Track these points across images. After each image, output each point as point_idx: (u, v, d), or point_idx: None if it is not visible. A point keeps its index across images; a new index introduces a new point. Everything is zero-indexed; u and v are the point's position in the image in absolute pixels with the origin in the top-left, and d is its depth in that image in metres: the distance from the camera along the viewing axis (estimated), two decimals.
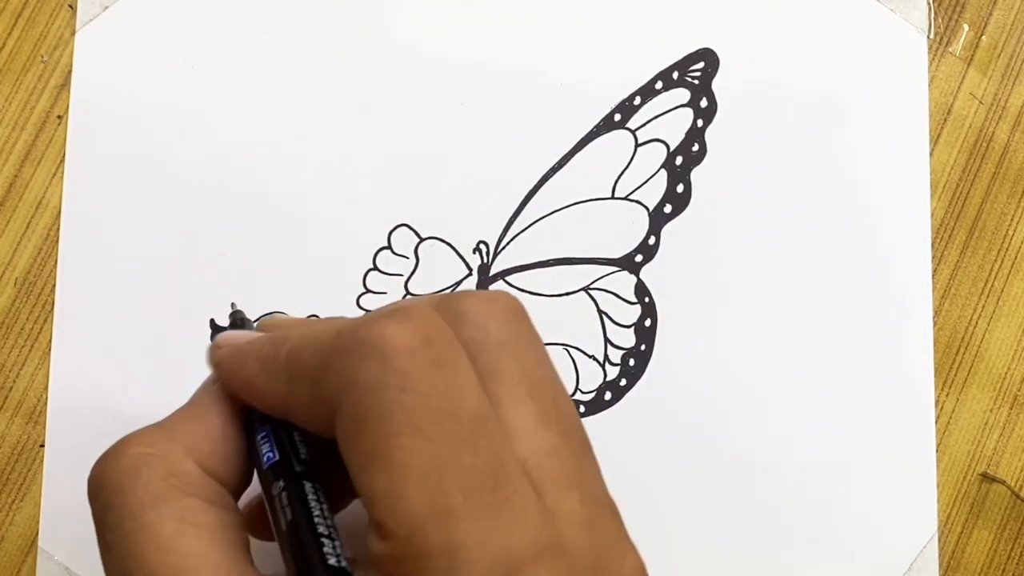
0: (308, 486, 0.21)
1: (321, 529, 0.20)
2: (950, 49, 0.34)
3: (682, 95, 0.34)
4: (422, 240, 0.33)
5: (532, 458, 0.20)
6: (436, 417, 0.19)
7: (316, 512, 0.21)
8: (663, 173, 0.33)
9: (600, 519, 0.21)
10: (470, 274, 0.33)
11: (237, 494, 0.23)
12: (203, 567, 0.20)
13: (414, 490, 0.18)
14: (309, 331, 0.21)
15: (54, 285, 0.32)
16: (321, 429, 0.21)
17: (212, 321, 0.31)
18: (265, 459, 0.22)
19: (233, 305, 0.28)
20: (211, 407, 0.23)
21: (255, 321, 0.26)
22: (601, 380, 0.32)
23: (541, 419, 0.21)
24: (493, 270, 0.33)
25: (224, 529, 0.21)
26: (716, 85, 0.34)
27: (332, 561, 0.20)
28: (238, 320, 0.27)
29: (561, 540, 0.19)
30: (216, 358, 0.23)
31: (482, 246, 0.33)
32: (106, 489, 0.21)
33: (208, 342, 0.25)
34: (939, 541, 0.32)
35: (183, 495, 0.21)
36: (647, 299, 0.33)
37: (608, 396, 0.32)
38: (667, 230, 0.33)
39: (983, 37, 0.35)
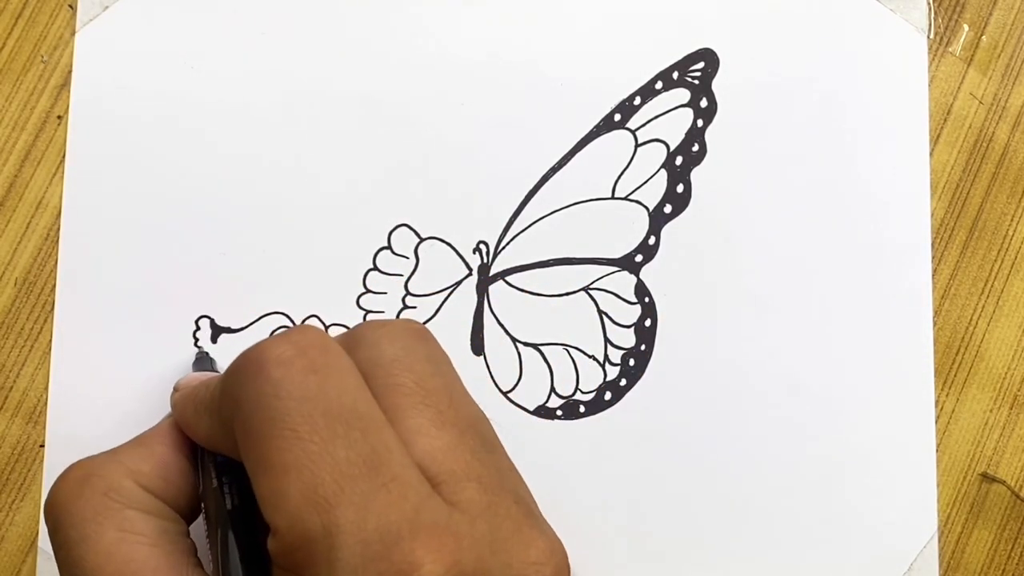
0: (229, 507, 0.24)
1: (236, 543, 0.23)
2: (950, 49, 0.34)
3: (682, 95, 0.34)
4: (422, 240, 0.33)
5: (428, 456, 0.21)
6: (308, 418, 0.20)
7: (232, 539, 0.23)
8: (663, 173, 0.33)
9: (503, 507, 0.22)
10: (470, 274, 0.33)
11: (186, 516, 0.25)
12: (143, 570, 0.22)
13: (290, 485, 0.20)
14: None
15: (54, 285, 0.32)
16: (238, 455, 0.22)
17: (198, 350, 0.32)
18: (201, 484, 0.25)
19: (200, 348, 0.31)
20: (160, 437, 0.25)
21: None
22: (601, 380, 0.33)
23: (436, 421, 0.22)
24: (493, 270, 0.33)
25: (165, 535, 0.23)
26: (716, 85, 0.34)
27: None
28: (204, 359, 0.30)
29: (449, 523, 0.20)
30: (172, 400, 0.26)
31: (482, 246, 0.33)
32: (55, 508, 0.23)
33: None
34: (939, 541, 0.32)
35: (122, 508, 0.23)
36: (647, 299, 0.33)
37: (608, 396, 0.32)
38: (667, 230, 0.33)
39: (983, 37, 0.35)
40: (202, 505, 0.25)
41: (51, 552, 0.31)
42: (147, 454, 0.25)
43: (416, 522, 0.20)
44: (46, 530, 0.24)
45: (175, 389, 0.27)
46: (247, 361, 0.21)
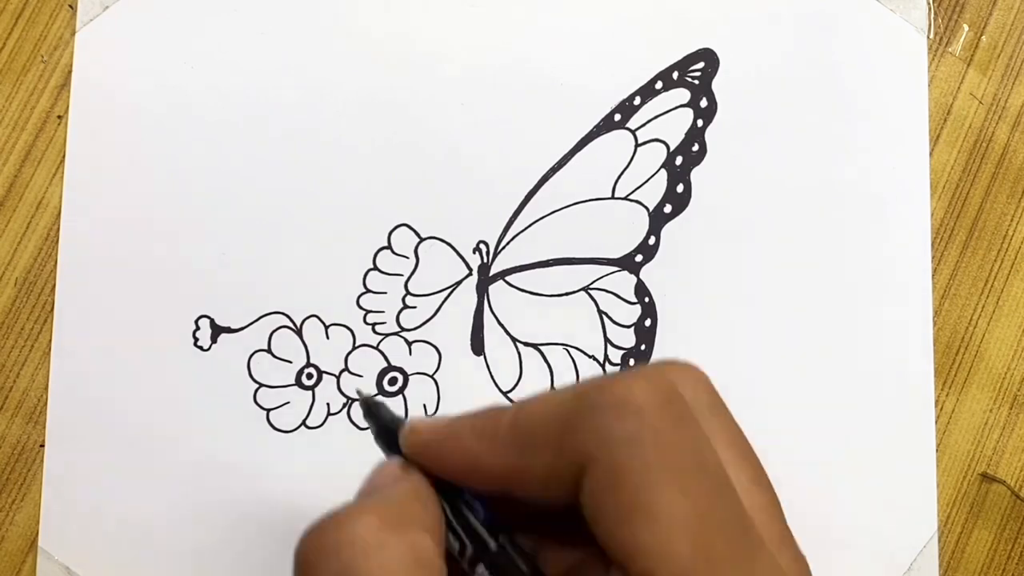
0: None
1: None
2: (950, 49, 0.34)
3: (682, 95, 0.34)
4: (422, 240, 0.33)
5: (752, 514, 0.21)
6: (691, 472, 0.19)
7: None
8: (663, 173, 0.33)
9: (806, 574, 0.22)
10: (470, 274, 0.33)
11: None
12: None
13: (680, 541, 0.19)
14: (536, 401, 0.21)
15: (54, 285, 0.32)
16: (550, 494, 0.21)
17: (363, 398, 0.26)
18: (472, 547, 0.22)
19: (360, 392, 0.27)
20: (425, 493, 0.22)
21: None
22: None
23: (754, 479, 0.22)
24: (493, 270, 0.33)
25: None
26: (716, 85, 0.34)
27: None
28: (373, 405, 0.25)
29: None
30: (416, 442, 0.23)
31: (482, 246, 0.33)
32: (343, 555, 0.20)
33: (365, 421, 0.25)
34: (939, 541, 0.32)
35: (427, 573, 0.20)
36: (647, 299, 0.33)
37: None
38: (667, 230, 0.33)
39: (983, 37, 0.35)
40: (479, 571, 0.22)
41: (51, 552, 0.31)
42: (424, 507, 0.22)
43: None
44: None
45: (412, 431, 0.23)
46: (615, 397, 0.20)
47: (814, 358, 0.33)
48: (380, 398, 0.29)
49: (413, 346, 0.32)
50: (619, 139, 0.33)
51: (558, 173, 0.33)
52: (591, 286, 0.33)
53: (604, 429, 0.20)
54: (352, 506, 0.21)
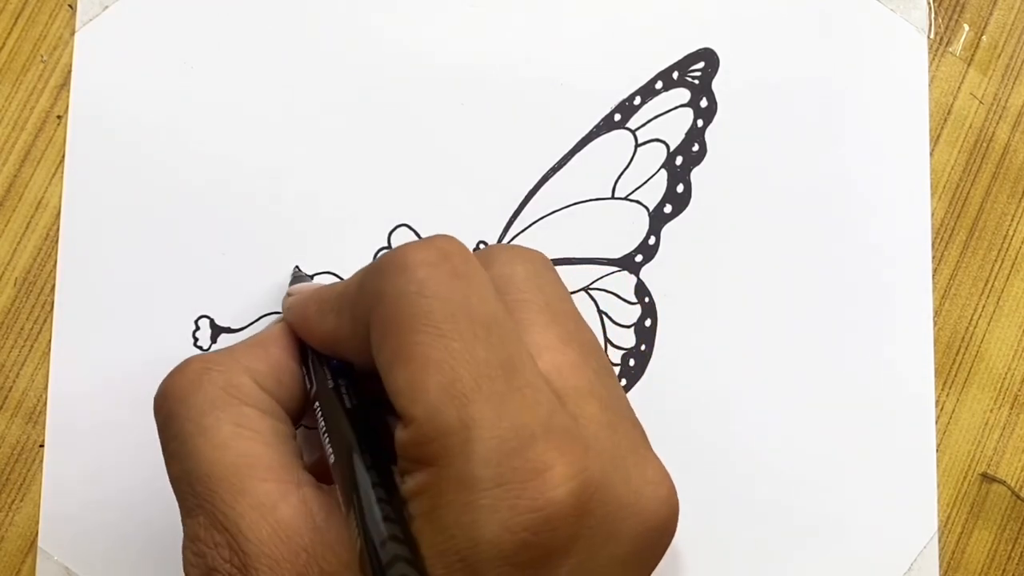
0: (347, 406, 0.24)
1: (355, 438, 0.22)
2: (950, 49, 0.34)
3: (682, 95, 0.34)
4: None
5: (554, 371, 0.22)
6: (452, 318, 0.21)
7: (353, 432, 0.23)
8: (663, 173, 0.33)
9: (621, 427, 0.23)
10: None
11: (294, 418, 0.25)
12: (257, 465, 0.22)
13: (430, 378, 0.20)
14: (354, 273, 0.24)
15: (54, 285, 0.32)
16: (362, 357, 0.23)
17: (295, 268, 0.32)
18: (315, 384, 0.25)
19: (297, 268, 0.31)
20: (274, 340, 0.26)
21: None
22: None
23: (563, 339, 0.23)
24: None
25: (277, 436, 0.23)
26: (716, 85, 0.34)
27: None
28: (302, 276, 0.31)
29: (577, 430, 0.21)
30: (286, 304, 0.27)
31: (482, 246, 0.33)
32: (169, 399, 0.24)
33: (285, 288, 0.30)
34: (939, 541, 0.32)
35: (240, 404, 0.23)
36: (647, 299, 0.33)
37: None
38: (667, 230, 0.33)
39: (983, 37, 0.35)
40: (316, 407, 0.24)
41: (51, 552, 0.31)
42: (262, 355, 0.25)
43: (548, 426, 0.21)
44: (159, 430, 0.24)
45: (288, 295, 0.27)
46: (392, 261, 0.22)
47: (814, 358, 0.33)
48: (301, 271, 0.32)
49: None
50: (619, 139, 0.33)
51: (558, 173, 0.33)
52: (591, 286, 0.33)
53: (377, 286, 0.22)
54: (189, 357, 0.25)
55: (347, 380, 0.24)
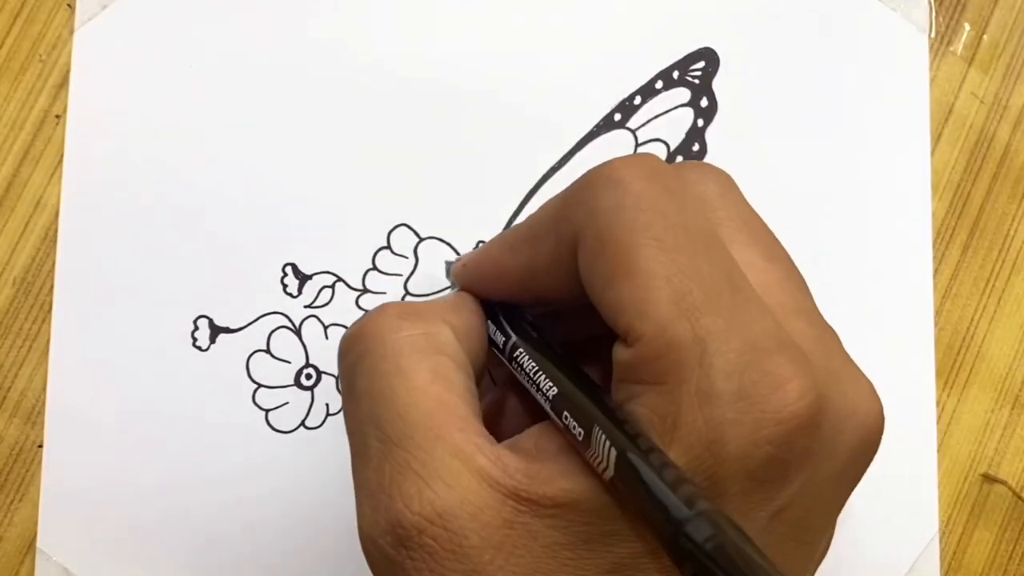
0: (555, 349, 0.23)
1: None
2: (951, 48, 0.34)
3: (682, 95, 0.34)
4: (422, 240, 0.33)
5: (760, 288, 0.21)
6: (672, 231, 0.20)
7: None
8: None
9: (831, 342, 0.22)
10: None
11: (476, 377, 0.24)
12: (450, 416, 0.21)
13: (659, 292, 0.19)
14: (544, 203, 0.23)
15: (52, 285, 0.32)
16: (560, 285, 0.22)
17: (446, 263, 0.31)
18: (514, 336, 0.24)
19: (446, 262, 0.31)
20: (462, 300, 0.25)
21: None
22: None
23: (764, 256, 0.22)
24: None
25: (469, 391, 0.22)
26: (717, 84, 0.34)
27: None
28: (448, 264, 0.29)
29: (799, 345, 0.20)
30: (459, 263, 0.25)
31: (481, 245, 0.33)
32: (366, 339, 0.22)
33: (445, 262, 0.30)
34: (940, 542, 0.32)
35: (438, 352, 0.22)
36: None
37: None
38: None
39: (984, 36, 0.35)
40: (517, 357, 0.23)
41: (49, 553, 0.31)
42: (455, 311, 0.24)
43: (779, 340, 0.20)
44: (347, 369, 0.23)
45: (461, 262, 0.26)
46: (603, 175, 0.21)
47: None
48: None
49: None
50: (619, 139, 0.33)
51: (558, 173, 0.33)
52: None
53: (589, 202, 0.21)
54: (387, 303, 0.23)
55: (542, 329, 0.24)
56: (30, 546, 0.31)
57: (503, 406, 0.26)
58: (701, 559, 0.18)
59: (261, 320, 0.32)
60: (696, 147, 0.33)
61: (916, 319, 0.33)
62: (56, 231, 0.32)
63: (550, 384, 0.22)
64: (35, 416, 0.31)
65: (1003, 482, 0.33)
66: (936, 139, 0.34)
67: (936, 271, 0.33)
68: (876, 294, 0.33)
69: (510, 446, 0.21)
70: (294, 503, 0.31)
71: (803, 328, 0.21)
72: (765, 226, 0.23)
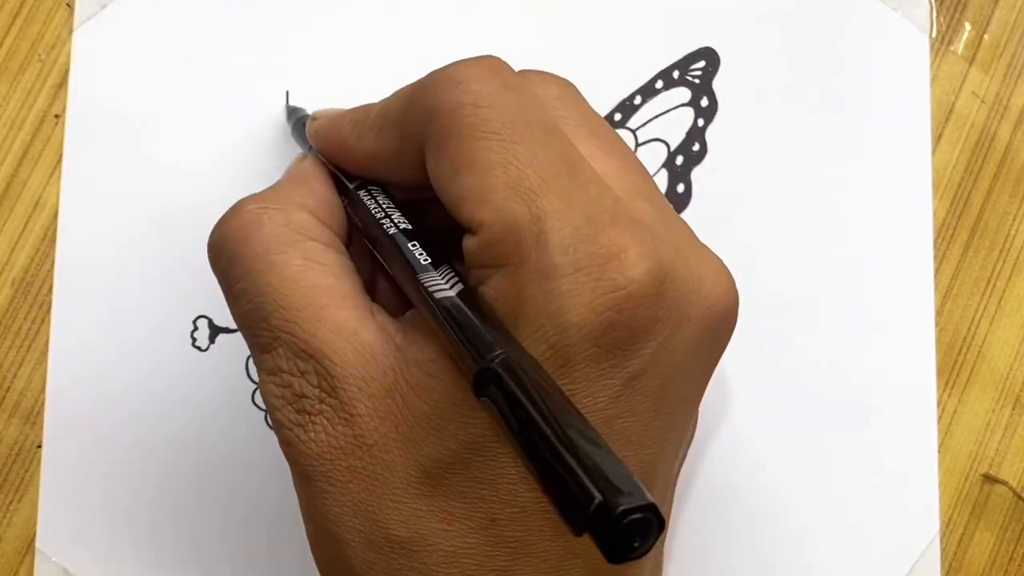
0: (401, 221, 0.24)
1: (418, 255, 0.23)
2: (952, 48, 0.34)
3: (683, 94, 0.33)
4: None
5: (603, 174, 0.22)
6: (511, 124, 0.21)
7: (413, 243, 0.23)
8: (664, 173, 0.33)
9: (675, 222, 0.23)
10: None
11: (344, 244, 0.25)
12: (330, 296, 0.22)
13: (496, 179, 0.21)
14: (394, 92, 0.24)
15: (51, 285, 0.32)
16: (405, 175, 0.23)
17: (287, 106, 0.32)
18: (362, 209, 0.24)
19: (288, 94, 0.32)
20: (312, 174, 0.25)
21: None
22: None
23: (604, 149, 0.23)
24: None
25: (343, 268, 0.23)
26: (717, 84, 0.34)
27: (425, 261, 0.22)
28: (297, 110, 0.31)
29: (639, 219, 0.21)
30: (313, 128, 0.26)
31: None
32: (230, 241, 0.23)
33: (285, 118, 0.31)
34: (941, 542, 0.32)
35: (304, 238, 0.23)
36: None
37: None
38: None
39: (985, 36, 0.34)
40: (368, 230, 0.24)
41: (48, 553, 0.31)
42: (308, 190, 0.25)
43: (615, 214, 0.21)
44: (221, 275, 0.24)
45: (312, 118, 0.27)
46: (443, 76, 0.22)
47: (815, 357, 0.33)
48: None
49: None
50: None
51: None
52: None
53: (431, 102, 0.22)
54: (240, 200, 0.24)
55: (389, 201, 0.24)
56: (29, 546, 0.31)
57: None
58: (495, 397, 0.18)
59: None
60: (696, 147, 0.33)
61: (917, 319, 0.33)
62: (55, 231, 0.32)
63: (397, 267, 0.23)
64: (34, 416, 0.31)
65: (1004, 482, 0.33)
66: (937, 139, 0.34)
67: (937, 271, 0.33)
68: (877, 294, 0.33)
69: (388, 308, 0.23)
70: (294, 503, 0.31)
71: (644, 207, 0.22)
72: (605, 123, 0.25)
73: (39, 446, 0.31)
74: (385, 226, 0.23)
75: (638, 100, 0.33)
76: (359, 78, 0.33)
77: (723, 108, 0.33)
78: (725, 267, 0.23)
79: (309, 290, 0.22)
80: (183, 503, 0.31)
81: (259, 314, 0.22)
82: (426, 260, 0.22)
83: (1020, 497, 0.32)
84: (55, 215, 0.32)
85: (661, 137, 0.33)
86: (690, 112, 0.33)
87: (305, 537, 0.24)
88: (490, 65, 0.22)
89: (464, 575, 0.21)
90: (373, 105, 0.24)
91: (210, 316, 0.32)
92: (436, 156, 0.22)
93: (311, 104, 0.33)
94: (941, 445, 0.33)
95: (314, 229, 0.24)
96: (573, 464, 0.17)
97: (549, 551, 0.21)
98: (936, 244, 0.33)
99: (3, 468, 0.31)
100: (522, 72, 0.24)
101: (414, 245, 0.23)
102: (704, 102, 0.33)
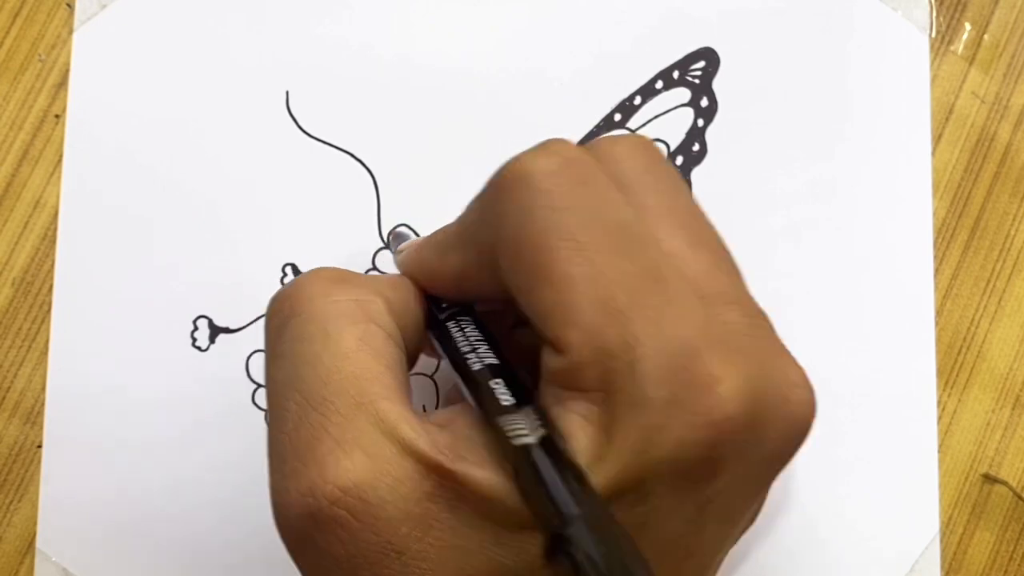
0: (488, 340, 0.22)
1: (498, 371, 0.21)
2: (952, 48, 0.34)
3: (683, 95, 0.33)
4: None
5: (689, 278, 0.20)
6: (587, 228, 0.19)
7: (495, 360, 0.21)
8: None
9: (763, 331, 0.21)
10: None
11: (409, 359, 0.23)
12: (375, 384, 0.20)
13: (581, 296, 0.19)
14: (468, 204, 0.22)
15: (52, 285, 0.32)
16: (494, 290, 0.21)
17: (390, 232, 0.32)
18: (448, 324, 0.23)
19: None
20: (401, 282, 0.24)
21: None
22: None
23: (692, 243, 0.21)
24: None
25: (399, 363, 0.21)
26: (717, 84, 0.34)
27: (506, 399, 0.20)
28: (402, 235, 0.30)
29: (729, 339, 0.20)
30: (399, 260, 0.25)
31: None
32: (295, 299, 0.22)
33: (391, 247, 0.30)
34: (941, 542, 0.32)
35: (368, 321, 0.21)
36: None
37: None
38: None
39: (985, 36, 0.34)
40: (442, 363, 0.23)
41: (48, 553, 0.31)
42: (392, 288, 0.23)
43: (708, 337, 0.19)
44: (272, 330, 0.22)
45: (398, 252, 0.25)
46: (510, 175, 0.20)
47: (815, 357, 0.32)
48: (404, 229, 0.31)
49: None
50: None
51: None
52: None
53: (500, 207, 0.20)
54: (320, 267, 0.23)
55: (478, 333, 0.23)
56: (29, 546, 0.31)
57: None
58: (575, 564, 0.17)
59: (261, 320, 0.32)
60: (696, 147, 0.33)
61: (917, 319, 0.33)
62: (55, 231, 0.32)
63: (476, 362, 0.21)
64: (34, 416, 0.31)
65: (1004, 482, 0.32)
66: (937, 139, 0.34)
67: (937, 271, 0.33)
68: (877, 294, 0.33)
69: (436, 422, 0.21)
70: None
71: (735, 319, 0.21)
72: (692, 206, 0.22)
73: (39, 446, 0.31)
74: (470, 361, 0.22)
75: (638, 100, 0.33)
76: (359, 78, 0.33)
77: (723, 108, 0.33)
78: (807, 379, 0.22)
79: (358, 371, 0.20)
80: (183, 503, 0.31)
81: (296, 384, 0.20)
82: (508, 401, 0.20)
83: (1020, 497, 0.32)
84: (55, 215, 0.32)
85: (661, 137, 0.33)
86: (690, 112, 0.33)
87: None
88: (560, 154, 0.20)
89: None
90: (452, 223, 0.23)
91: (210, 316, 0.32)
92: (511, 269, 0.20)
93: (310, 99, 0.33)
94: (941, 445, 0.33)
95: (381, 316, 0.22)
96: None
97: None
98: (936, 244, 0.33)
99: (3, 468, 0.31)
100: (594, 144, 0.22)
101: (497, 383, 0.21)
102: (704, 102, 0.33)
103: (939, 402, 0.33)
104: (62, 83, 0.33)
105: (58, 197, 0.32)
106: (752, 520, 0.24)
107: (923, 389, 0.33)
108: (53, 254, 0.32)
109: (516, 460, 0.19)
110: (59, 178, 0.32)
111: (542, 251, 0.19)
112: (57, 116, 0.32)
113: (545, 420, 0.19)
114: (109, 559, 0.31)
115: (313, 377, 0.20)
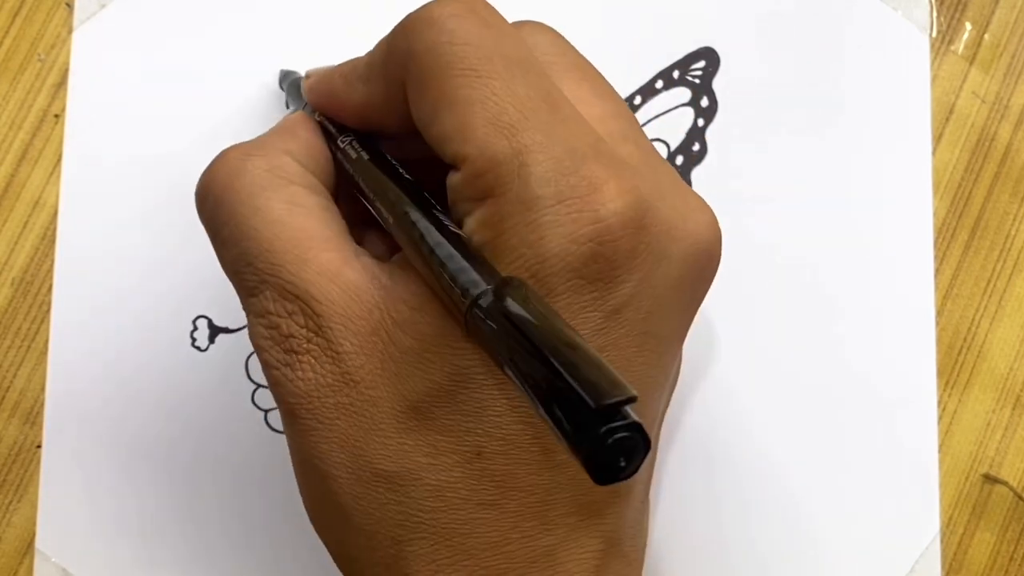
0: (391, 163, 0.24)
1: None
2: (952, 48, 0.34)
3: (683, 94, 0.33)
4: None
5: (589, 120, 0.22)
6: (488, 60, 0.21)
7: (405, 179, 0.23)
8: None
9: (660, 166, 0.23)
10: None
11: (331, 191, 0.25)
12: (315, 237, 0.22)
13: (476, 115, 0.21)
14: (378, 41, 0.24)
15: (51, 285, 0.32)
16: (397, 122, 0.23)
17: (281, 71, 0.32)
18: (351, 156, 0.25)
19: (281, 70, 0.32)
20: (299, 124, 0.25)
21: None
22: None
23: (594, 93, 0.24)
24: None
25: (327, 212, 0.24)
26: (717, 84, 0.33)
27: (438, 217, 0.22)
28: (290, 74, 0.31)
29: (623, 158, 0.22)
30: (307, 85, 0.26)
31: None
32: (215, 188, 0.24)
33: (279, 83, 0.31)
34: (941, 543, 0.32)
35: (287, 183, 0.23)
36: None
37: None
38: None
39: (985, 36, 0.34)
40: (357, 179, 0.24)
41: (48, 554, 0.31)
42: (291, 138, 0.25)
43: (597, 150, 0.21)
44: (207, 221, 0.24)
45: (306, 76, 0.27)
46: (417, 17, 0.22)
47: (815, 357, 0.33)
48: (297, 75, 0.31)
49: None
50: None
51: None
52: None
53: (408, 45, 0.22)
54: (225, 148, 0.24)
55: (378, 148, 0.25)
56: (29, 547, 0.31)
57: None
58: (487, 326, 0.19)
59: None
60: (696, 147, 0.33)
61: (917, 319, 0.33)
62: (55, 231, 0.32)
63: (385, 212, 0.23)
64: (34, 416, 0.31)
65: (1004, 483, 0.32)
66: (937, 139, 0.34)
67: (937, 271, 0.33)
68: (877, 294, 0.33)
69: (376, 253, 0.23)
70: (293, 503, 0.31)
71: (630, 150, 0.23)
72: (596, 70, 0.25)
73: (39, 446, 0.31)
74: (371, 172, 0.24)
75: (638, 100, 0.33)
76: None
77: (723, 108, 0.33)
78: (707, 206, 0.23)
79: (293, 233, 0.22)
80: (183, 503, 0.31)
81: (245, 258, 0.23)
82: (413, 203, 0.22)
83: (1020, 497, 0.32)
84: (55, 215, 0.32)
85: (661, 137, 0.33)
86: (690, 112, 0.33)
87: (305, 536, 0.24)
88: (466, 2, 0.22)
89: (450, 508, 0.21)
90: (361, 56, 0.25)
91: (210, 316, 0.32)
92: (417, 99, 0.22)
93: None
94: (941, 445, 0.33)
95: (297, 174, 0.24)
96: (565, 374, 0.16)
97: (535, 484, 0.21)
98: (936, 244, 0.33)
99: (2, 468, 0.31)
100: (515, 23, 0.24)
101: (402, 189, 0.23)
102: (704, 102, 0.33)
103: (939, 402, 0.33)
104: (61, 83, 0.32)
105: (57, 197, 0.32)
106: (676, 370, 0.26)
107: (923, 389, 0.33)
108: (52, 254, 0.32)
109: (425, 249, 0.21)
110: (58, 178, 0.32)
111: (444, 79, 0.21)
112: (56, 116, 0.32)
113: (449, 220, 0.22)
114: (109, 559, 0.31)
115: (259, 250, 0.22)
